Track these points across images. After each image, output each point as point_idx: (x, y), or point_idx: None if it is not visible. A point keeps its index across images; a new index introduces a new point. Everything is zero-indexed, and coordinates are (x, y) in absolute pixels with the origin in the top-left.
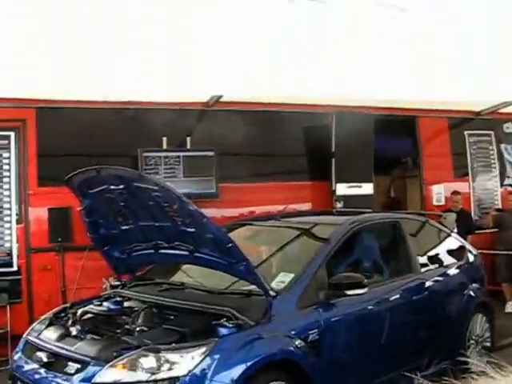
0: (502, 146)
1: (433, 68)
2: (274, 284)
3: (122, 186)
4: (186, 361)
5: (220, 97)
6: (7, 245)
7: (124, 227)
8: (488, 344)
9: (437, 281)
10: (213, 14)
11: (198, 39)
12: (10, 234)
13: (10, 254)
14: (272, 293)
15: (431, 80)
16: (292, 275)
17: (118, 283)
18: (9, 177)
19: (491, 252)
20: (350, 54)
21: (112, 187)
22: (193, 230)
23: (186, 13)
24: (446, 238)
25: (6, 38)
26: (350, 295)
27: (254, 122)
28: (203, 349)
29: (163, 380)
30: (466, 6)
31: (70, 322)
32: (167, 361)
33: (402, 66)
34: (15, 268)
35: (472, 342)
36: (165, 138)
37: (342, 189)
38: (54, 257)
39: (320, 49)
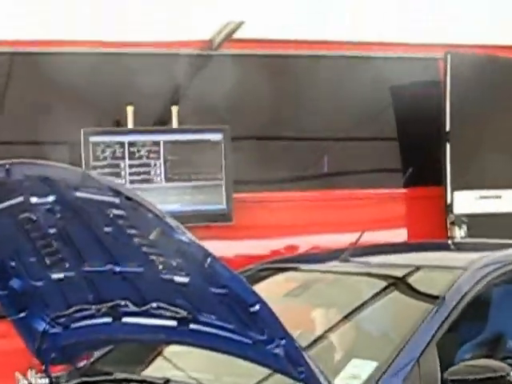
0: None
1: None
2: (339, 381)
3: (51, 198)
4: None
5: (239, 25)
6: None
7: (56, 275)
8: None
9: None
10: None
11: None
12: None
13: None
14: None
15: None
16: (374, 364)
17: (46, 381)
18: None
19: None
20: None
21: (34, 200)
22: (186, 279)
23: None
24: None
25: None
26: None
27: (299, 77)
28: None
29: None
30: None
31: None
32: None
33: None
34: None
35: None
36: (130, 109)
37: (464, 201)
38: None
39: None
